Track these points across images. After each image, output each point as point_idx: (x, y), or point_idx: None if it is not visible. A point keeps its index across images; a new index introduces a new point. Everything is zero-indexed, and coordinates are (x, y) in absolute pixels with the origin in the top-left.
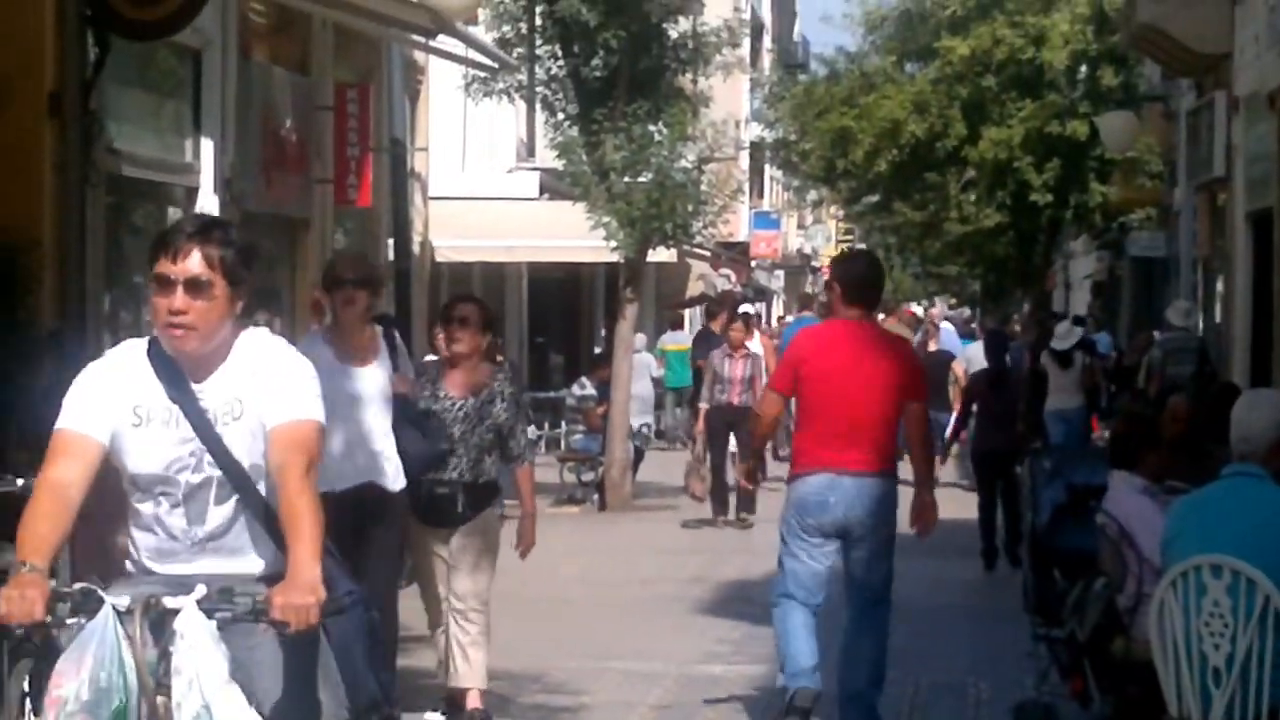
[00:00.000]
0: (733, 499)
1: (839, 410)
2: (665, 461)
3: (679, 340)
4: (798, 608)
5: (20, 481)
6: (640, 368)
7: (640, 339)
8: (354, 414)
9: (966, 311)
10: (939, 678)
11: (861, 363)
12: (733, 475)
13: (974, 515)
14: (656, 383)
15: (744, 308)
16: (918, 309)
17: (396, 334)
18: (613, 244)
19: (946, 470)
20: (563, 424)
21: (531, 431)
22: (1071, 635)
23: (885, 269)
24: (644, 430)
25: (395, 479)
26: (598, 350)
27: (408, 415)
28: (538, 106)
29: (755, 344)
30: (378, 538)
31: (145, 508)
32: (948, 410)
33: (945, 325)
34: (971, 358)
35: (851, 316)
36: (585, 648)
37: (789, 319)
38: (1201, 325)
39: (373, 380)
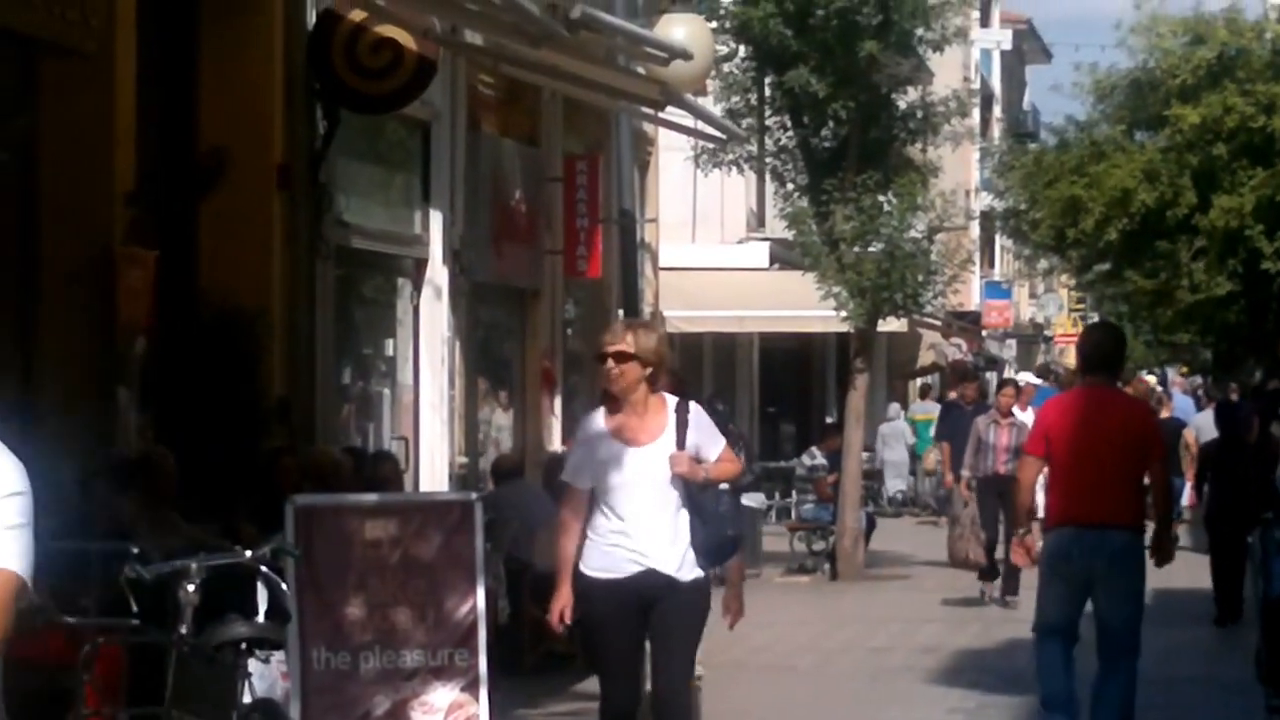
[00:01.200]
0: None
1: (1085, 468)
2: (910, 530)
3: (928, 410)
4: (1054, 641)
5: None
6: (894, 435)
7: (894, 408)
8: (627, 496)
9: (1197, 380)
10: None
11: (1104, 424)
12: (1001, 549)
13: (1206, 584)
14: (910, 450)
15: (1015, 375)
16: (1150, 377)
17: (695, 406)
18: (843, 314)
19: (1179, 537)
20: (793, 493)
21: (762, 500)
22: None
23: (1126, 339)
24: (898, 496)
25: (680, 567)
26: (829, 420)
27: (691, 499)
28: (767, 177)
29: (1022, 411)
30: (661, 630)
31: None
32: (1180, 475)
33: (1178, 393)
34: (1200, 426)
35: (1093, 383)
36: (813, 714)
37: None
38: None
39: (649, 460)
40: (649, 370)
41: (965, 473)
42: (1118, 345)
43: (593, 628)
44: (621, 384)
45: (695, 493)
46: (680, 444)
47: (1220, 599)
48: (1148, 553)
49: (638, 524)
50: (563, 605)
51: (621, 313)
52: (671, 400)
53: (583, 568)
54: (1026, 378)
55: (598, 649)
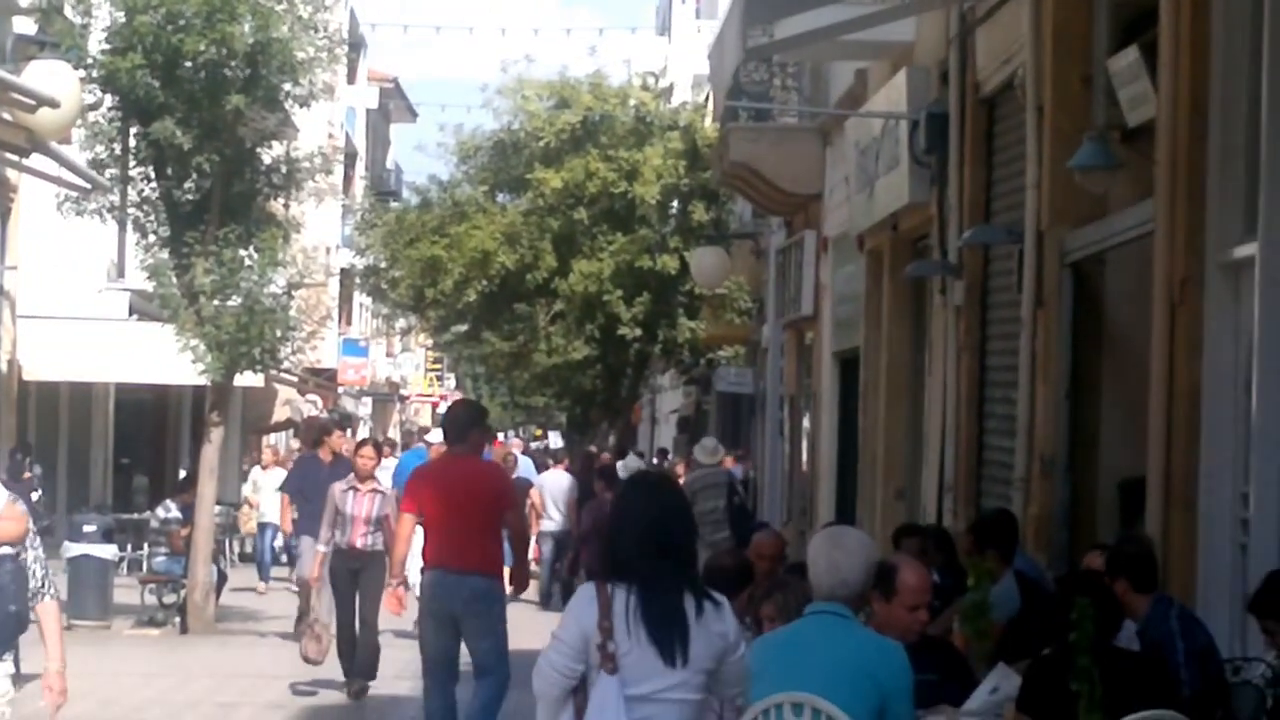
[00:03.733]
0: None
1: (452, 522)
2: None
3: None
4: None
5: None
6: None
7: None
8: None
9: (549, 443)
10: None
11: (464, 483)
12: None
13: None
14: None
15: (429, 434)
16: (511, 439)
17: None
18: (200, 367)
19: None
20: (146, 545)
21: (114, 552)
22: None
23: (483, 410)
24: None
25: None
26: (183, 473)
27: None
28: (129, 227)
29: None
30: None
31: None
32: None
33: (522, 456)
34: (544, 484)
35: (455, 451)
36: None
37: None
38: (787, 460)
39: None
40: None
41: (320, 548)
42: (470, 417)
43: None
44: None
45: None
46: None
47: None
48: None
49: None
50: None
51: None
52: None
53: None
54: (438, 438)
55: None
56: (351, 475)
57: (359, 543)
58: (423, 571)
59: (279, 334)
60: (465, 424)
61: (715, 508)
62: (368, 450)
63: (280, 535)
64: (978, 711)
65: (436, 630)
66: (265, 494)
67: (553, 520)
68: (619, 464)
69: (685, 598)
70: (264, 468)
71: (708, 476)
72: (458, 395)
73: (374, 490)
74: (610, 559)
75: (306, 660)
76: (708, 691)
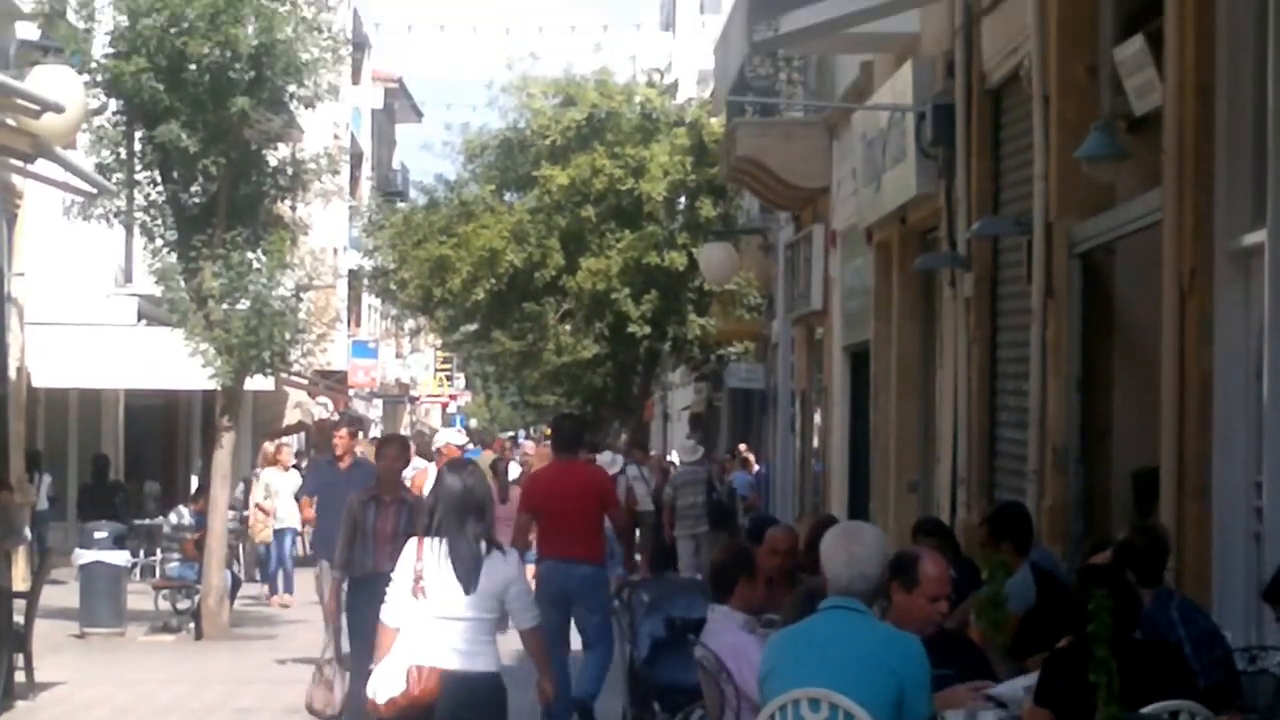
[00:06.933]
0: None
1: (563, 519)
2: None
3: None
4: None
5: None
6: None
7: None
8: None
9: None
10: None
11: (573, 486)
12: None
13: None
14: None
15: (438, 434)
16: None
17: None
18: (210, 372)
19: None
20: (159, 551)
21: (126, 559)
22: None
23: (585, 425)
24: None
25: None
26: (195, 478)
27: None
28: (136, 232)
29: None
30: None
31: None
32: None
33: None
34: None
35: (563, 458)
36: None
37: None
38: (798, 455)
39: None
40: None
41: (337, 573)
42: (574, 429)
43: None
44: None
45: None
46: None
47: None
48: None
49: None
50: None
51: None
52: None
53: None
54: (449, 437)
55: None
56: (373, 483)
57: (385, 566)
58: (538, 561)
59: (288, 337)
60: (571, 437)
61: (695, 503)
62: (391, 450)
63: (299, 540)
64: (1009, 696)
65: (549, 609)
66: (282, 499)
67: None
68: (597, 458)
69: (479, 546)
70: (283, 468)
71: (688, 474)
72: (467, 395)
73: (400, 500)
74: (428, 520)
75: (311, 712)
76: (496, 614)
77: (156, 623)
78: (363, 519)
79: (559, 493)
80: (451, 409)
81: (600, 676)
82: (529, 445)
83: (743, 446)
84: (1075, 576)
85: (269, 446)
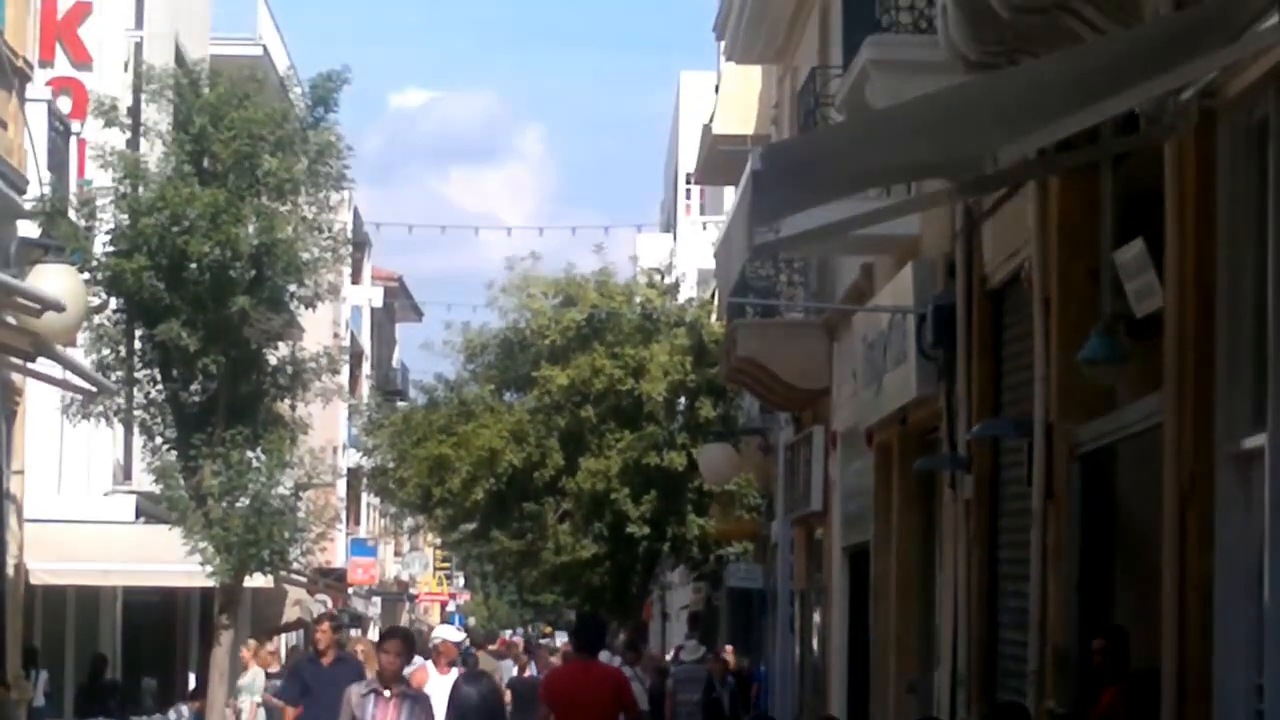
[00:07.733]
0: None
1: (581, 715)
2: None
3: None
4: None
5: None
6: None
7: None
8: None
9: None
10: None
11: (591, 685)
12: None
13: None
14: None
15: (435, 630)
16: (516, 637)
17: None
18: (209, 569)
19: None
20: None
21: None
22: None
23: (605, 627)
24: None
25: None
26: (193, 675)
27: None
28: (136, 429)
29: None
30: None
31: None
32: None
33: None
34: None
35: (582, 658)
36: None
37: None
38: (799, 657)
39: None
40: None
41: None
42: (596, 631)
43: None
44: None
45: None
46: None
47: None
48: None
49: None
50: None
51: None
52: None
53: None
54: (446, 634)
55: None
56: (373, 676)
57: None
58: None
59: (288, 535)
60: (594, 637)
61: (691, 700)
62: (392, 645)
63: None
64: None
65: None
66: (243, 697)
67: None
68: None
69: None
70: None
71: (689, 672)
72: (466, 594)
73: (403, 694)
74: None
75: None
76: None
77: None
78: (360, 712)
79: (578, 691)
80: (450, 607)
81: None
82: (519, 641)
83: (729, 648)
84: None
85: (245, 652)
